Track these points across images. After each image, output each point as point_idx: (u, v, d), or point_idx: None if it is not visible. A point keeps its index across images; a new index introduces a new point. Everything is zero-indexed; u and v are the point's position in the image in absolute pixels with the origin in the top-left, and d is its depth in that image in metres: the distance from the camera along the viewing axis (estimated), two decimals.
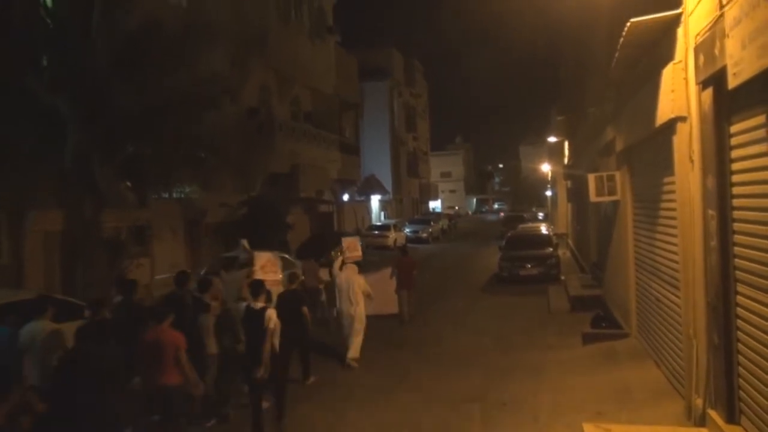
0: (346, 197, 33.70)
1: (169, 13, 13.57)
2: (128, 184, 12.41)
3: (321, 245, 19.94)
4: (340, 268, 10.44)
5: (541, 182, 54.74)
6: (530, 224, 30.71)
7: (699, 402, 5.88)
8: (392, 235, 29.93)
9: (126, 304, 7.87)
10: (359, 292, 10.12)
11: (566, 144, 26.60)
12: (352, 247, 11.58)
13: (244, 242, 11.49)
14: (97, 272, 11.72)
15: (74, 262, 11.86)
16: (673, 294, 7.13)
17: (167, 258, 16.15)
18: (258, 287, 7.34)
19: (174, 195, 16.32)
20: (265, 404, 7.21)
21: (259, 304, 7.11)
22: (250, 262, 10.08)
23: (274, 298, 8.25)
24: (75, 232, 11.66)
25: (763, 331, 4.66)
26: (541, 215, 50.62)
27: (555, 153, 34.23)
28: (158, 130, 11.81)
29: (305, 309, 8.49)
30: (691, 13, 5.69)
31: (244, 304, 7.49)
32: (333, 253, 12.00)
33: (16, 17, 10.87)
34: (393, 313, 12.78)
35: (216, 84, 12.81)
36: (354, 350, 9.82)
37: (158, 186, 13.44)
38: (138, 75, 11.34)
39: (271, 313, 7.06)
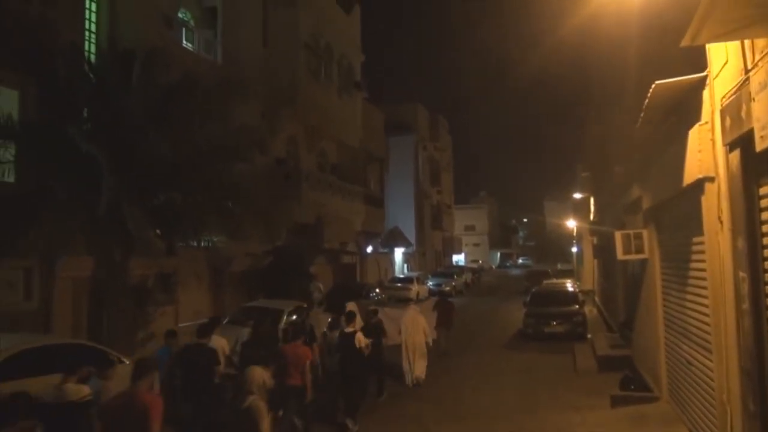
0: (369, 249, 33.77)
1: (205, 69, 14.16)
2: (158, 231, 12.66)
3: (344, 296, 19.94)
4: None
5: (566, 238, 54.26)
6: (555, 280, 30.26)
7: None
8: (415, 287, 29.72)
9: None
10: (421, 330, 12.47)
11: (591, 200, 26.48)
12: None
13: (320, 285, 16.56)
14: (123, 319, 11.86)
15: (101, 308, 12.01)
16: (705, 357, 6.92)
17: (191, 305, 16.26)
18: (352, 316, 10.09)
19: (201, 243, 16.55)
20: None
21: (350, 329, 9.71)
22: (323, 301, 14.32)
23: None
24: (103, 278, 11.86)
25: None
26: (560, 266, 49.85)
27: (580, 209, 34.04)
28: (189, 180, 12.13)
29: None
30: (716, 76, 5.77)
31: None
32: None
33: (61, 71, 11.46)
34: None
35: (246, 136, 13.18)
36: (420, 371, 12.21)
37: (187, 234, 13.68)
38: (172, 127, 11.76)
39: (360, 336, 9.63)
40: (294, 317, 13.53)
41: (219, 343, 8.68)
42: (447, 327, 15.30)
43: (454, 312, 16.28)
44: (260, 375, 5.99)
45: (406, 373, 12.16)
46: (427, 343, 12.58)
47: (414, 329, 12.37)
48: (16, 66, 11.93)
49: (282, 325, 12.47)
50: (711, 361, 6.56)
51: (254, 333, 9.86)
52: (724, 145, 5.59)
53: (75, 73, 11.60)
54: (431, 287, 33.33)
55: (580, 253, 39.15)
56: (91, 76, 11.96)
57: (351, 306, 13.06)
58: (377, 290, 22.79)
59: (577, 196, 32.37)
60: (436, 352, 13.90)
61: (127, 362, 10.02)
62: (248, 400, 5.48)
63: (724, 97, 5.52)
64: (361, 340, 9.56)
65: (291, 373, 7.77)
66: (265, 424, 5.46)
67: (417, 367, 12.18)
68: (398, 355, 12.34)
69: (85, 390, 6.79)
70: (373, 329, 10.86)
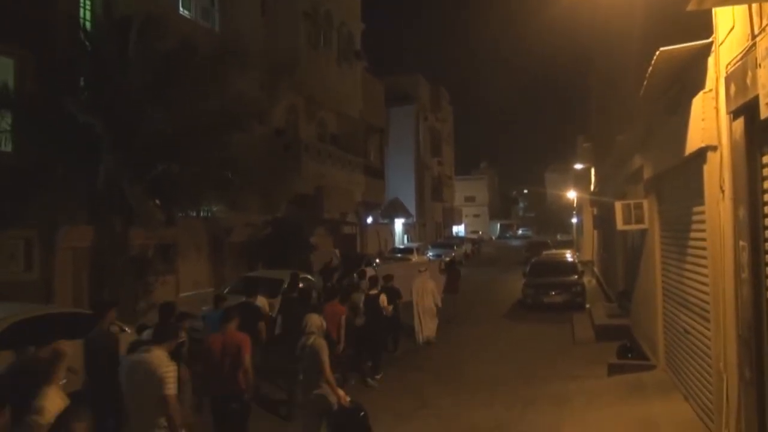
0: (369, 220, 33.79)
1: (202, 38, 13.94)
2: (157, 202, 12.63)
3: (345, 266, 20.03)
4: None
5: (566, 208, 54.28)
6: (554, 251, 30.34)
7: None
8: (415, 258, 29.83)
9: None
10: (430, 294, 13.48)
11: (592, 171, 26.39)
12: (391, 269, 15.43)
13: (337, 251, 17.74)
14: (124, 288, 11.91)
15: (102, 279, 12.07)
16: (702, 326, 6.96)
17: (192, 276, 16.35)
18: (375, 281, 11.42)
19: (200, 214, 16.55)
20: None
21: (374, 292, 10.94)
22: (339, 266, 17.18)
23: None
24: (103, 248, 11.88)
25: None
26: (559, 237, 49.97)
27: (581, 179, 33.94)
28: (188, 151, 12.05)
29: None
30: (722, 42, 5.66)
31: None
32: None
33: (57, 39, 11.29)
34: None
35: (245, 106, 13.05)
36: (430, 331, 13.27)
37: (186, 205, 13.67)
38: (170, 97, 11.63)
39: (383, 297, 10.89)
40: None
41: (261, 302, 9.85)
42: (454, 293, 16.18)
43: (460, 279, 17.36)
44: (317, 319, 7.12)
45: (417, 333, 13.19)
46: (436, 305, 13.57)
47: (424, 293, 13.40)
48: (12, 35, 11.74)
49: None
50: (708, 329, 6.59)
51: (293, 283, 11.08)
52: (728, 113, 5.52)
53: (71, 41, 11.43)
54: (431, 258, 33.45)
55: (580, 224, 39.19)
56: (87, 44, 11.79)
57: (370, 271, 14.33)
58: (377, 261, 22.86)
59: (578, 166, 32.22)
60: (444, 317, 14.60)
61: (129, 331, 10.09)
62: (311, 339, 6.57)
63: (729, 63, 5.42)
64: (384, 301, 10.93)
65: (328, 327, 8.35)
66: (325, 356, 6.38)
67: (428, 329, 13.31)
68: (410, 316, 13.29)
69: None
70: (390, 292, 11.74)
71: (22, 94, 11.45)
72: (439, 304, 13.87)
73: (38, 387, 4.29)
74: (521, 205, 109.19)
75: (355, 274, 13.59)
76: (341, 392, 6.42)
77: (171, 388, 4.68)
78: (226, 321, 6.47)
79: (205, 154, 12.27)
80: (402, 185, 40.81)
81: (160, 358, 4.79)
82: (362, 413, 6.42)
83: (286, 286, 11.60)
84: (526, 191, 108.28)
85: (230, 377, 6.18)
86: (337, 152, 26.74)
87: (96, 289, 12.19)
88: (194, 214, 15.60)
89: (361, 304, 10.66)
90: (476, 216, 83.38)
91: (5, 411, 4.70)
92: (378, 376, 10.40)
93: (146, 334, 6.99)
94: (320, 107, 26.14)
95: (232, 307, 7.38)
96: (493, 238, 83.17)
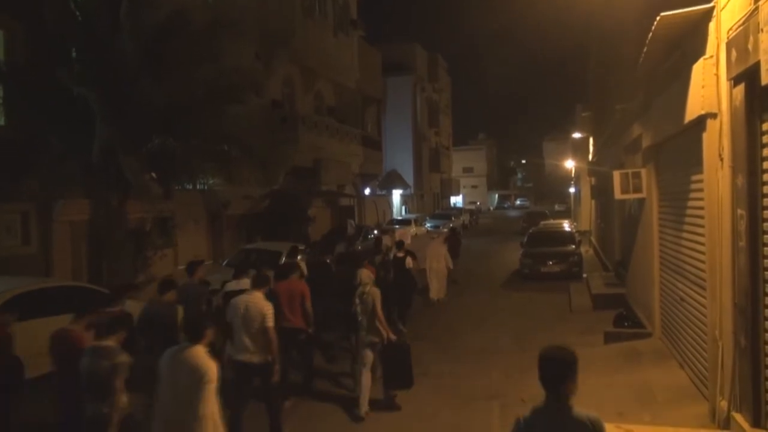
0: (367, 191, 33.74)
1: (196, 7, 13.68)
2: (153, 175, 12.56)
3: (342, 238, 20.14)
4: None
5: (565, 179, 54.17)
6: (552, 221, 30.40)
7: (724, 404, 5.78)
8: (413, 229, 29.88)
9: None
10: (442, 258, 14.82)
11: (591, 140, 26.27)
12: (404, 235, 20.90)
13: (351, 222, 20.60)
14: (122, 262, 11.93)
15: (100, 252, 12.07)
16: (698, 294, 7.01)
17: (190, 249, 16.35)
18: (402, 244, 13.06)
19: (197, 187, 16.50)
20: None
21: (401, 254, 12.42)
22: (355, 236, 21.12)
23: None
24: (101, 222, 11.85)
25: None
26: (557, 207, 49.99)
27: (579, 149, 33.81)
28: (183, 123, 11.94)
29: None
30: (724, 7, 5.57)
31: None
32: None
33: (47, 9, 11.06)
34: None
35: (241, 78, 12.88)
36: (441, 292, 14.71)
37: (182, 178, 13.60)
38: (164, 68, 11.46)
39: (409, 259, 12.44)
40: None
41: (302, 264, 10.49)
42: (455, 257, 16.91)
43: (461, 245, 19.12)
44: (367, 273, 8.01)
45: (430, 292, 14.62)
46: (448, 267, 14.93)
47: (435, 258, 14.77)
48: (1, 6, 11.51)
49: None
50: (704, 297, 6.63)
51: (292, 254, 11.29)
52: (729, 79, 5.46)
53: (61, 11, 11.20)
54: (429, 228, 33.52)
55: (577, 194, 39.18)
56: (77, 14, 11.56)
57: (388, 238, 16.68)
58: (375, 232, 22.95)
59: (577, 136, 32.08)
60: (450, 278, 15.61)
61: (128, 303, 10.09)
62: (366, 288, 7.69)
63: (730, 29, 5.34)
64: (410, 262, 12.45)
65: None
66: (379, 302, 7.56)
67: (439, 289, 14.75)
68: (424, 277, 14.71)
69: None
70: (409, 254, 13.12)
71: (13, 66, 11.27)
72: (451, 267, 15.19)
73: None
74: (519, 175, 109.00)
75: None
76: (390, 331, 7.75)
77: (271, 321, 6.40)
78: (290, 272, 8.24)
79: (201, 126, 12.16)
80: (400, 156, 40.63)
81: (260, 298, 6.58)
82: (405, 346, 7.93)
83: (285, 258, 11.74)
84: (524, 162, 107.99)
85: (295, 316, 7.79)
86: (335, 124, 26.53)
87: (95, 263, 12.21)
88: (191, 187, 15.55)
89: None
90: (474, 187, 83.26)
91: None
92: (405, 326, 11.41)
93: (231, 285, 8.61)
94: (317, 78, 25.85)
95: (290, 263, 9.37)
96: (491, 208, 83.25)
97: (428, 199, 48.42)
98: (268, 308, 6.46)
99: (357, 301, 7.71)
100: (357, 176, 30.04)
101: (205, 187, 16.52)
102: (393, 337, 7.73)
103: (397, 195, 40.79)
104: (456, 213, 43.80)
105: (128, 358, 4.94)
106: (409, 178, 41.37)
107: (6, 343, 6.15)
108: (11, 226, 11.89)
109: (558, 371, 3.03)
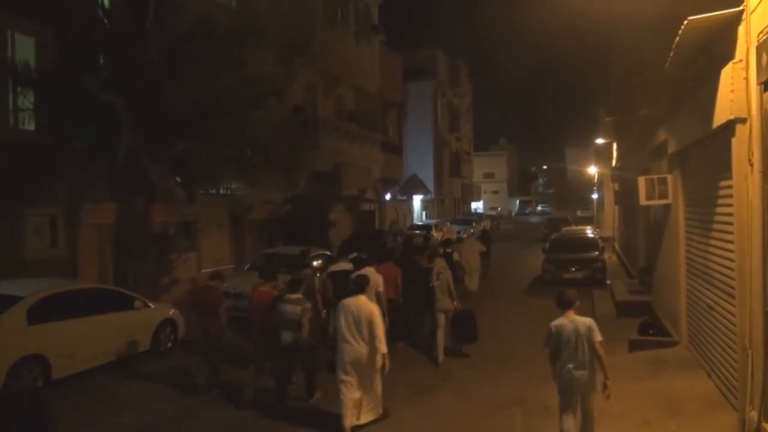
0: (388, 196, 33.73)
1: (219, 14, 13.85)
2: (177, 180, 12.73)
3: (362, 243, 20.14)
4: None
5: (587, 184, 53.60)
6: (574, 227, 30.07)
7: (753, 415, 5.65)
8: (434, 234, 29.78)
9: None
10: (477, 252, 17.11)
11: (614, 146, 25.96)
12: (450, 232, 23.49)
13: (398, 220, 23.65)
14: (147, 265, 12.09)
15: (125, 255, 12.24)
16: (727, 302, 6.87)
17: (213, 252, 16.52)
18: (449, 242, 15.85)
19: (220, 191, 16.68)
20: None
21: (449, 250, 14.32)
22: (400, 232, 23.99)
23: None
24: (126, 225, 12.03)
25: None
26: (579, 213, 49.47)
27: (602, 155, 33.41)
28: (206, 128, 12.09)
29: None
30: (754, 10, 5.48)
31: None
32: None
33: (76, 17, 11.30)
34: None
35: (263, 84, 13.00)
36: (474, 284, 16.64)
37: (206, 182, 13.75)
38: (188, 74, 11.62)
39: (456, 254, 14.85)
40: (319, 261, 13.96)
41: (347, 266, 11.13)
42: (487, 257, 18.79)
43: (492, 244, 21.24)
44: (442, 262, 10.44)
45: (466, 283, 16.15)
46: (482, 256, 17.18)
47: (471, 253, 16.68)
48: (32, 13, 11.77)
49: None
50: (733, 306, 6.51)
51: (303, 257, 12.90)
52: (759, 83, 5.37)
53: (89, 19, 11.43)
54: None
55: (600, 199, 38.73)
56: (105, 21, 11.79)
57: (448, 229, 21.45)
58: (428, 230, 24.05)
59: (600, 141, 31.68)
60: (482, 273, 17.37)
61: (153, 306, 10.27)
62: (442, 270, 10.09)
63: (761, 32, 5.25)
64: (457, 256, 14.75)
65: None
66: (451, 280, 10.33)
67: (473, 281, 16.55)
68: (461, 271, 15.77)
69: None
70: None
71: (43, 72, 11.52)
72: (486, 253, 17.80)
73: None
74: (540, 181, 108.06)
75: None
76: (458, 302, 10.22)
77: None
78: (389, 258, 11.12)
79: (224, 131, 12.29)
80: (420, 161, 40.56)
81: (373, 272, 9.22)
82: (472, 313, 10.34)
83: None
84: (545, 167, 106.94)
85: (390, 289, 10.07)
86: (356, 129, 26.58)
87: (120, 265, 12.39)
88: (214, 191, 15.71)
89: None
90: (495, 192, 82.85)
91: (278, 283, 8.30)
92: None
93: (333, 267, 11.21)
94: (338, 83, 25.95)
95: (390, 250, 13.70)
96: (513, 214, 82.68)
97: (449, 205, 48.24)
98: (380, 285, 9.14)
99: (434, 278, 10.01)
100: (378, 181, 30.06)
101: (228, 192, 16.69)
102: (460, 307, 10.30)
103: (417, 200, 40.72)
104: (477, 218, 43.58)
105: (311, 305, 7.81)
106: (430, 184, 41.27)
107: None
108: (40, 229, 12.12)
109: (568, 300, 6.47)
